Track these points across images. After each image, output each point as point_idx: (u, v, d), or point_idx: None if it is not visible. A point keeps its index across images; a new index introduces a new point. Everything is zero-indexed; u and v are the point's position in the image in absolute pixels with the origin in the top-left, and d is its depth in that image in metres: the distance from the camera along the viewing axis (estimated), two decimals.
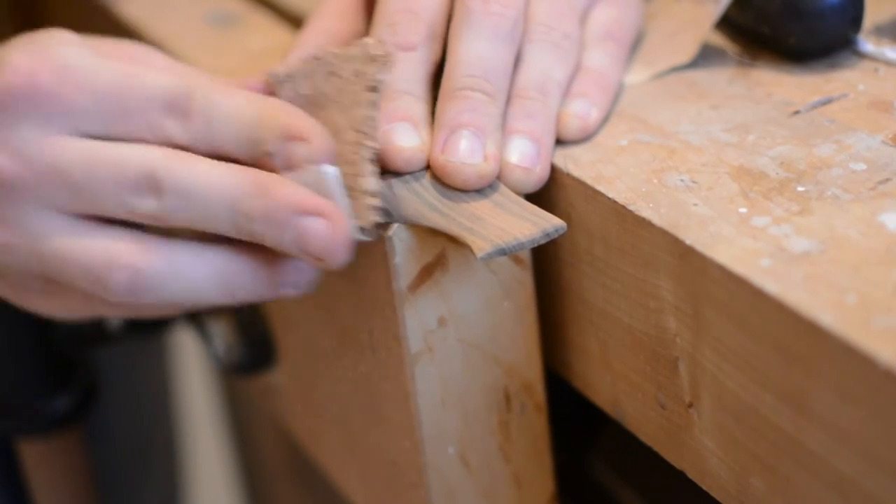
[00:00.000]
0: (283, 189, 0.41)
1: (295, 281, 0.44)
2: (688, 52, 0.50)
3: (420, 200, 0.43)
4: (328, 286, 0.49)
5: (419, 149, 0.44)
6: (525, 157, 0.44)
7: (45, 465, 0.73)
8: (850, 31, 0.48)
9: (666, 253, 0.39)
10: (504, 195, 0.43)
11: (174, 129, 0.42)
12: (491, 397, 0.47)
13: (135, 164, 0.42)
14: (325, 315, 0.50)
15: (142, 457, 0.98)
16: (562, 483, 0.51)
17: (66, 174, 0.42)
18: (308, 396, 0.57)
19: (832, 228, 0.37)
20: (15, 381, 0.64)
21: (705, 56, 0.50)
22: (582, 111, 0.45)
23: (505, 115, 0.45)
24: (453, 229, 0.41)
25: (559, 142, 0.46)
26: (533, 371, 0.47)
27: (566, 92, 0.46)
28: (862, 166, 0.41)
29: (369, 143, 0.42)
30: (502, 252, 0.40)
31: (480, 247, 0.40)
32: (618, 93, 0.48)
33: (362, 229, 0.42)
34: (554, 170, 0.44)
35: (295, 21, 0.62)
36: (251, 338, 0.58)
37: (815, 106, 0.45)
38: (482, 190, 0.43)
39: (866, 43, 0.49)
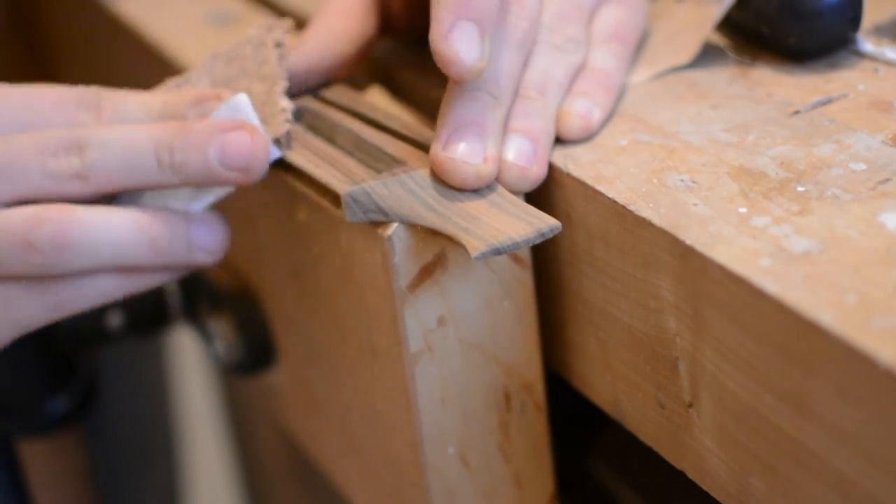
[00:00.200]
0: (199, 122, 0.44)
1: (206, 240, 0.45)
2: (688, 52, 0.50)
3: (416, 199, 0.43)
4: (328, 286, 0.49)
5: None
6: (521, 155, 0.44)
7: (45, 465, 0.73)
8: (849, 30, 0.48)
9: (666, 253, 0.39)
10: (501, 195, 0.43)
11: (87, 118, 0.45)
12: (491, 397, 0.47)
13: (56, 134, 0.44)
14: (325, 315, 0.50)
15: (141, 456, 0.98)
16: (562, 483, 0.51)
17: None
18: (308, 396, 0.57)
19: (832, 228, 0.37)
20: (15, 381, 0.64)
21: (705, 56, 0.50)
22: (584, 110, 0.46)
23: None
24: (449, 229, 0.41)
25: (561, 141, 0.46)
26: (533, 371, 0.47)
27: (569, 91, 0.46)
28: (862, 166, 0.41)
29: (281, 82, 0.46)
30: (497, 252, 0.40)
31: (475, 246, 0.40)
32: (622, 93, 0.48)
33: (277, 141, 0.45)
34: (554, 169, 0.44)
35: (295, 21, 0.62)
36: (251, 338, 0.58)
37: (815, 106, 0.45)
38: (479, 189, 0.43)
39: (866, 43, 0.49)
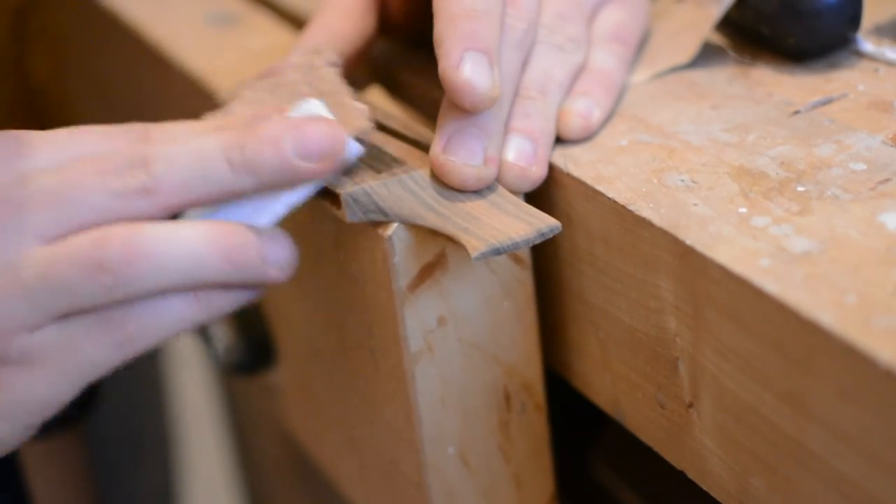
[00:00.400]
0: (268, 120, 0.41)
1: (277, 255, 0.42)
2: (688, 52, 0.50)
3: (416, 199, 0.43)
4: (328, 286, 0.49)
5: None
6: (521, 155, 0.44)
7: (45, 465, 0.73)
8: (849, 30, 0.48)
9: (666, 253, 0.39)
10: (501, 195, 0.43)
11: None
12: (491, 397, 0.47)
13: (115, 153, 0.41)
14: (325, 315, 0.50)
15: (135, 452, 0.98)
16: (562, 483, 0.51)
17: (46, 191, 0.40)
18: (308, 396, 0.57)
19: (832, 228, 0.37)
20: None
21: (705, 56, 0.50)
22: (584, 110, 0.46)
23: None
24: (448, 229, 0.41)
25: (561, 141, 0.46)
26: (533, 371, 0.47)
27: (570, 91, 0.46)
28: (862, 166, 0.41)
29: (347, 93, 0.44)
30: (496, 252, 0.40)
31: (475, 246, 0.40)
32: (622, 94, 0.48)
33: (359, 140, 0.42)
34: (554, 170, 0.44)
35: (295, 21, 0.62)
36: (251, 338, 0.58)
37: (815, 106, 0.45)
38: (479, 190, 0.43)
39: (866, 43, 0.49)
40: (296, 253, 0.43)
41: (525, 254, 0.45)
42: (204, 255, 0.41)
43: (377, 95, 0.52)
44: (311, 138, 0.41)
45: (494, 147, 0.43)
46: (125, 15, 0.65)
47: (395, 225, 0.42)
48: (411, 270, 0.43)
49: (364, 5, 0.51)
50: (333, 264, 0.47)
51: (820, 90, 0.46)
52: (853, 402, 0.33)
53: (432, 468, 0.47)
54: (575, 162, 0.44)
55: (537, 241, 0.41)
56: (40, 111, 0.90)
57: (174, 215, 0.42)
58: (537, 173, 0.44)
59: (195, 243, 0.41)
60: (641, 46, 0.51)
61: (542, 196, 0.45)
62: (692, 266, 0.38)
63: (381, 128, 0.47)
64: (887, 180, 0.40)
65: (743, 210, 0.39)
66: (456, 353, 0.45)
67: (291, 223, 0.49)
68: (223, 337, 0.59)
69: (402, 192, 0.43)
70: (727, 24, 0.50)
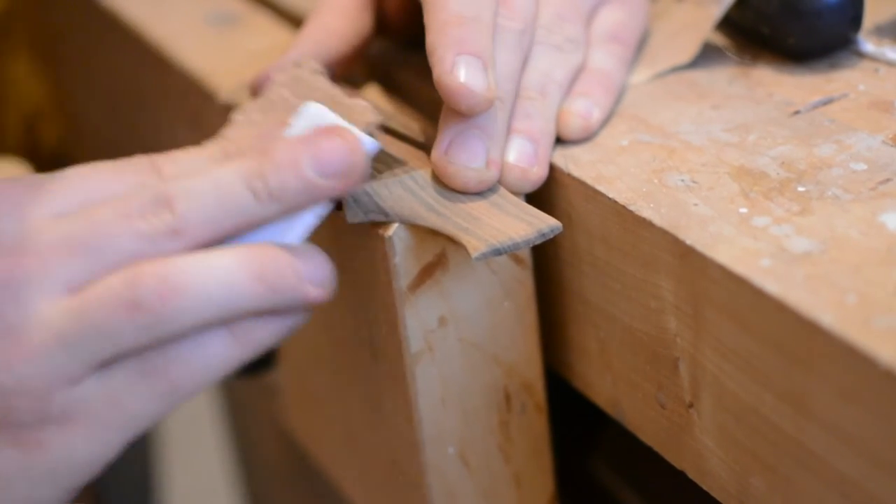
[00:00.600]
0: (281, 140, 0.40)
1: (315, 273, 0.41)
2: (688, 52, 0.50)
3: (417, 200, 0.43)
4: None
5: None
6: (522, 156, 0.44)
7: None
8: (850, 30, 0.48)
9: (666, 253, 0.39)
10: (501, 195, 0.43)
11: (151, 180, 0.41)
12: (491, 397, 0.47)
13: (135, 195, 0.40)
14: (325, 315, 0.50)
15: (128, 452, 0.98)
16: (562, 483, 0.51)
17: (71, 239, 0.39)
18: (308, 396, 0.57)
19: (833, 228, 0.37)
20: None
21: (705, 56, 0.50)
22: (584, 110, 0.46)
23: None
24: (449, 229, 0.41)
25: (561, 141, 0.46)
26: (533, 371, 0.47)
27: (569, 92, 0.46)
28: (862, 166, 0.41)
29: (342, 94, 0.43)
30: (497, 252, 0.40)
31: (475, 247, 0.40)
32: (621, 94, 0.48)
33: (369, 134, 0.41)
34: (554, 170, 0.44)
35: (295, 21, 0.62)
36: None
37: (815, 106, 0.45)
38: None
39: (867, 43, 0.49)
40: (334, 269, 0.41)
41: (525, 254, 0.45)
42: (238, 280, 0.39)
43: (375, 95, 0.52)
44: (329, 155, 0.40)
45: (497, 149, 0.43)
46: (125, 15, 0.65)
47: (395, 225, 0.42)
48: (412, 270, 0.43)
49: (360, 5, 0.51)
50: (333, 264, 0.47)
51: (820, 90, 0.46)
52: (853, 402, 0.33)
53: (432, 468, 0.47)
54: (575, 162, 0.44)
55: (538, 242, 0.41)
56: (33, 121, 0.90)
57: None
58: (538, 174, 0.44)
59: (228, 270, 0.39)
60: (641, 46, 0.51)
61: (542, 196, 0.45)
62: (692, 266, 0.38)
63: (382, 128, 0.47)
64: (888, 180, 0.40)
65: (743, 210, 0.39)
66: (456, 353, 0.45)
67: None
68: None
69: (402, 192, 0.43)
70: (727, 24, 0.50)
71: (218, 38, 0.61)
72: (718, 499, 0.41)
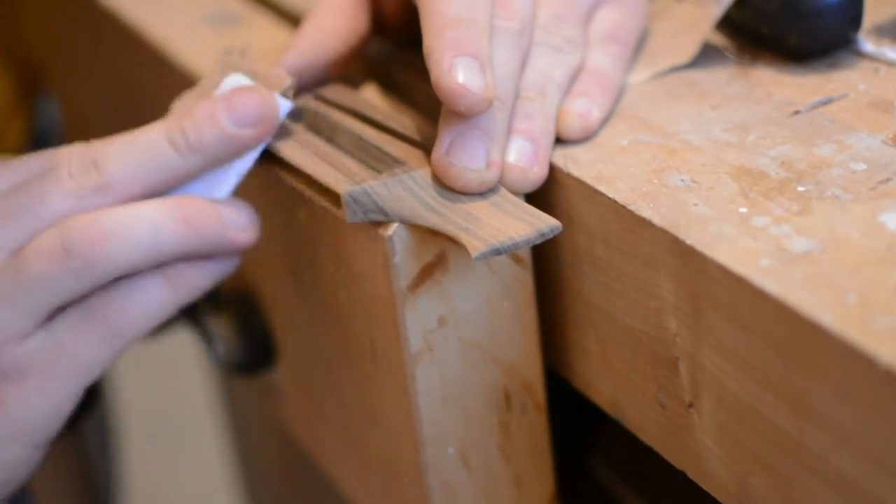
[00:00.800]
0: (201, 102, 0.44)
1: (238, 217, 0.44)
2: (688, 52, 0.50)
3: (416, 199, 0.43)
4: (328, 286, 0.49)
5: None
6: (522, 156, 0.44)
7: (45, 466, 0.73)
8: (850, 30, 0.48)
9: (666, 253, 0.39)
10: (501, 195, 0.43)
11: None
12: (491, 397, 0.47)
13: (68, 164, 0.43)
14: (324, 315, 0.50)
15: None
16: (562, 483, 0.51)
17: (6, 207, 0.43)
18: (308, 396, 0.57)
19: (832, 228, 0.37)
20: None
21: (705, 56, 0.50)
22: (583, 110, 0.46)
23: None
24: (449, 229, 0.41)
25: (560, 140, 0.46)
26: (533, 371, 0.47)
27: (568, 92, 0.46)
28: (862, 166, 0.41)
29: (260, 69, 0.47)
30: (497, 252, 0.40)
31: (475, 246, 0.40)
32: (620, 94, 0.48)
33: (283, 95, 0.45)
34: (554, 169, 0.44)
35: (295, 21, 0.62)
36: (251, 338, 0.58)
37: (815, 106, 0.45)
38: None
39: (867, 43, 0.49)
40: (255, 214, 0.45)
41: (525, 254, 0.45)
42: (164, 225, 0.43)
43: (374, 95, 0.52)
44: (243, 106, 0.43)
45: (497, 150, 0.43)
46: (125, 15, 0.65)
47: (395, 225, 0.42)
48: (411, 270, 0.43)
49: (357, 4, 0.51)
50: (334, 264, 0.47)
51: (820, 90, 0.46)
52: (853, 402, 0.33)
53: (432, 468, 0.47)
54: (575, 162, 0.44)
55: (538, 241, 0.41)
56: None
57: None
58: (538, 174, 0.44)
59: (155, 216, 0.42)
60: (640, 46, 0.51)
61: (542, 196, 0.45)
62: (692, 266, 0.38)
63: (381, 128, 0.47)
64: (888, 180, 0.40)
65: (743, 210, 0.39)
66: (456, 353, 0.45)
67: (291, 222, 0.49)
68: (223, 337, 0.59)
69: (402, 191, 0.43)
70: (727, 24, 0.50)
71: (218, 38, 0.61)
72: (718, 499, 0.41)
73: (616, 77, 0.48)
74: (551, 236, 0.41)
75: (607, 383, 0.45)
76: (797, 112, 0.45)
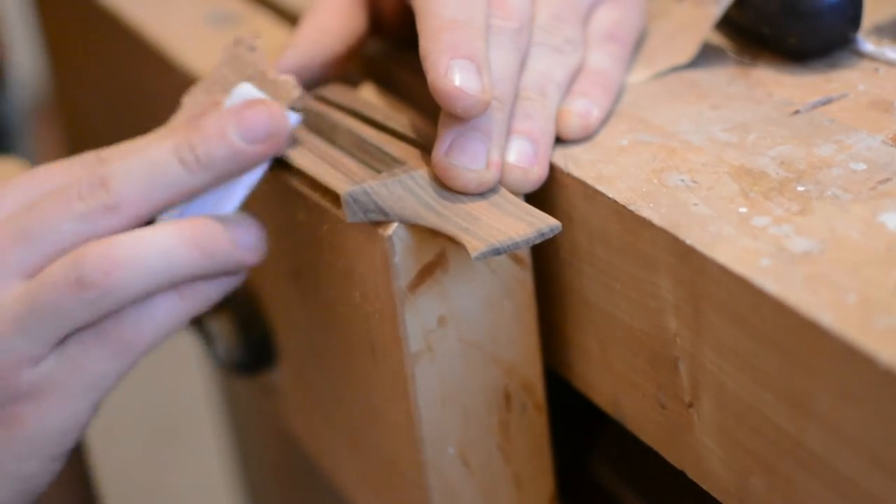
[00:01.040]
0: (209, 115, 0.43)
1: (247, 238, 0.44)
2: (688, 52, 0.50)
3: (416, 199, 0.43)
4: (329, 286, 0.49)
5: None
6: (523, 157, 0.44)
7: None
8: (850, 30, 0.48)
9: (666, 253, 0.39)
10: (501, 195, 0.43)
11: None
12: (491, 397, 0.47)
13: (74, 182, 0.43)
14: (324, 315, 0.50)
15: None
16: (562, 483, 0.51)
17: (16, 230, 0.42)
18: (308, 396, 0.57)
19: (832, 228, 0.37)
20: None
21: (705, 56, 0.50)
22: (583, 110, 0.46)
23: None
24: (449, 229, 0.41)
25: (560, 140, 0.46)
26: (533, 371, 0.47)
27: (568, 92, 0.47)
28: (862, 166, 0.41)
29: (271, 70, 0.46)
30: (497, 252, 0.40)
31: (475, 246, 0.40)
32: (620, 93, 0.48)
33: (292, 108, 0.45)
34: (554, 169, 0.44)
35: (295, 21, 0.62)
36: (251, 338, 0.58)
37: (815, 106, 0.45)
38: None
39: (866, 43, 0.49)
40: (263, 232, 0.45)
41: (525, 254, 0.45)
42: (176, 251, 0.42)
43: (373, 94, 0.52)
44: (252, 121, 0.43)
45: (497, 150, 0.43)
46: (125, 15, 0.65)
47: (395, 225, 0.42)
48: (411, 270, 0.43)
49: (355, 4, 0.51)
50: (334, 264, 0.47)
51: (820, 90, 0.46)
52: (853, 402, 0.33)
53: (432, 468, 0.47)
54: (575, 162, 0.44)
55: (537, 241, 0.41)
56: None
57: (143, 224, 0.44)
58: (538, 174, 0.44)
59: (166, 242, 0.42)
60: (640, 46, 0.51)
61: (542, 196, 0.45)
62: (692, 266, 0.38)
63: (381, 128, 0.47)
64: (887, 180, 0.40)
65: (743, 210, 0.39)
66: (456, 353, 0.45)
67: (290, 223, 0.49)
68: (223, 337, 0.59)
69: (402, 191, 0.43)
70: (727, 24, 0.50)
71: (218, 38, 0.61)
72: (718, 499, 0.41)
73: (615, 77, 0.48)
74: (551, 236, 0.41)
75: (607, 383, 0.45)
76: (797, 112, 0.45)
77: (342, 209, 0.43)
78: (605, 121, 0.46)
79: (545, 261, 0.46)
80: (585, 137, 0.45)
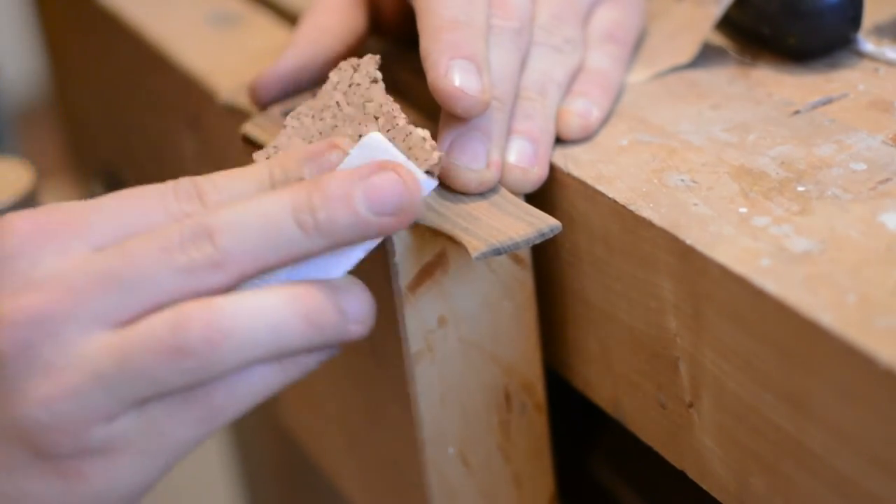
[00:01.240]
0: (334, 174, 0.39)
1: (358, 311, 0.40)
2: (688, 52, 0.50)
3: None
4: None
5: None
6: (523, 157, 0.44)
7: None
8: (850, 30, 0.48)
9: (666, 253, 0.39)
10: (501, 195, 0.43)
11: (192, 208, 0.40)
12: (491, 397, 0.47)
13: (174, 227, 0.39)
14: None
15: None
16: (562, 483, 0.51)
17: (108, 274, 0.38)
18: (308, 396, 0.57)
19: (832, 228, 0.37)
20: None
21: (705, 56, 0.50)
22: (583, 110, 0.46)
23: None
24: (449, 229, 0.41)
25: (560, 140, 0.46)
26: (533, 371, 0.47)
27: (568, 92, 0.47)
28: (862, 166, 0.41)
29: (401, 114, 0.42)
30: (497, 252, 0.40)
31: (475, 246, 0.40)
32: (619, 93, 0.48)
33: (429, 172, 0.40)
34: (554, 169, 0.44)
35: (295, 21, 0.62)
36: None
37: (815, 106, 0.45)
38: None
39: (866, 43, 0.49)
40: (374, 302, 0.41)
41: (525, 254, 0.45)
42: (285, 323, 0.38)
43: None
44: (383, 192, 0.38)
45: (497, 150, 0.43)
46: (125, 15, 0.65)
47: None
48: (411, 270, 0.43)
49: (354, 3, 0.51)
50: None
51: (820, 90, 0.46)
52: (853, 402, 0.33)
53: (432, 468, 0.47)
54: (575, 162, 0.44)
55: (538, 241, 0.41)
56: None
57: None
58: (538, 174, 0.44)
59: (275, 312, 0.38)
60: (640, 46, 0.51)
61: (542, 196, 0.45)
62: (692, 266, 0.38)
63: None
64: (887, 180, 0.40)
65: (743, 210, 0.39)
66: (456, 353, 0.45)
67: None
68: None
69: None
70: (727, 24, 0.50)
71: (218, 38, 0.61)
72: (718, 499, 0.41)
73: (615, 77, 0.48)
74: (551, 236, 0.41)
75: (607, 383, 0.45)
76: (797, 112, 0.45)
77: None
78: (604, 121, 0.46)
79: (545, 261, 0.46)
80: (585, 137, 0.45)
